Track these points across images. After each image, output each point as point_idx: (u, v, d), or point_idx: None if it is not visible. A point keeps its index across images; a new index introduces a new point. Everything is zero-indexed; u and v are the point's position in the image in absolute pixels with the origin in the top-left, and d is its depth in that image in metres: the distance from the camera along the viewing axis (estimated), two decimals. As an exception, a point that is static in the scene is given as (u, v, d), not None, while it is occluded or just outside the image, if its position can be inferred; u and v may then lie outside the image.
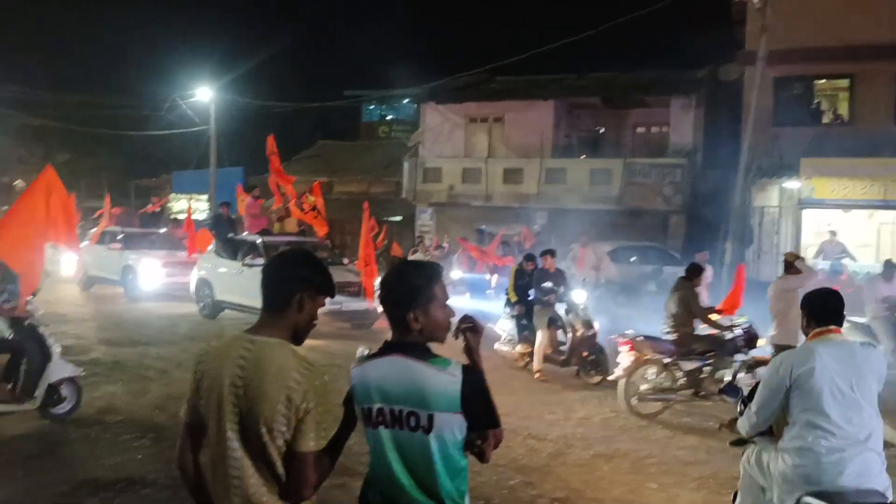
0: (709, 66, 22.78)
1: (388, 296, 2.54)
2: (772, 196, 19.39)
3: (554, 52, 20.39)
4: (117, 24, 64.71)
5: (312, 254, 2.72)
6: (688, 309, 8.57)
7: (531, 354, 10.23)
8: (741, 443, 4.10)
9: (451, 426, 2.36)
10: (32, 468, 5.95)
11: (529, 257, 10.91)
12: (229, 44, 64.27)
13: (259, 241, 13.95)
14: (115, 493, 5.47)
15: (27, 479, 5.70)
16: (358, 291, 12.80)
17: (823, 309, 3.84)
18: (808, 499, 3.40)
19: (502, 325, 10.94)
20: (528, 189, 24.14)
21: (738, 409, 4.05)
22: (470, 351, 2.53)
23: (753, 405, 3.80)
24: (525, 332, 10.44)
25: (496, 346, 10.77)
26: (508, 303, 10.82)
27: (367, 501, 2.51)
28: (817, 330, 3.77)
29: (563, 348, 10.17)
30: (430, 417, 2.35)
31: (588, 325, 9.90)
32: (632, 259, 18.06)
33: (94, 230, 19.57)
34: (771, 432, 3.86)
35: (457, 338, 2.56)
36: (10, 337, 7.27)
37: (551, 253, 10.55)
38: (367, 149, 34.25)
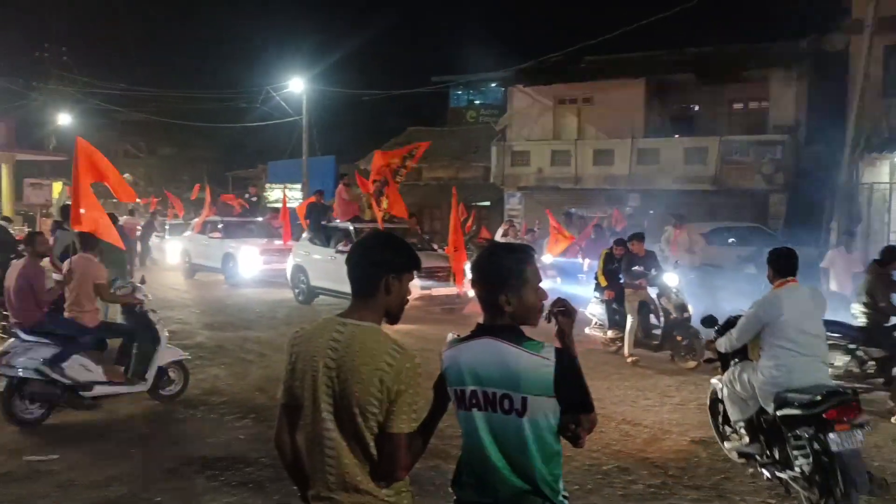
0: (811, 36, 21.60)
1: (480, 278, 2.53)
2: (882, 172, 18.29)
3: (645, 27, 19.78)
4: (214, 20, 67.02)
5: (391, 235, 2.72)
6: (874, 295, 7.77)
7: (622, 339, 10.09)
8: (711, 361, 6.43)
9: (545, 410, 2.35)
10: (144, 446, 6.30)
11: (619, 241, 10.71)
12: (320, 35, 65.58)
13: (351, 227, 14.22)
14: (220, 470, 5.71)
15: (140, 457, 6.04)
16: (447, 276, 12.88)
17: (785, 264, 5.23)
18: (785, 394, 4.95)
19: (592, 310, 10.82)
20: (619, 170, 23.62)
21: (714, 337, 5.85)
22: (562, 335, 2.50)
23: (735, 332, 5.38)
24: (616, 316, 10.30)
25: (587, 330, 10.66)
26: (598, 287, 10.70)
27: (461, 482, 2.52)
28: (780, 281, 5.21)
29: (655, 332, 9.98)
30: (524, 401, 2.35)
31: (682, 308, 9.65)
32: (730, 240, 17.40)
33: (196, 220, 20.43)
34: (746, 357, 5.50)
35: (549, 321, 2.54)
36: (123, 322, 7.70)
37: (639, 237, 10.30)
38: (455, 134, 34.25)
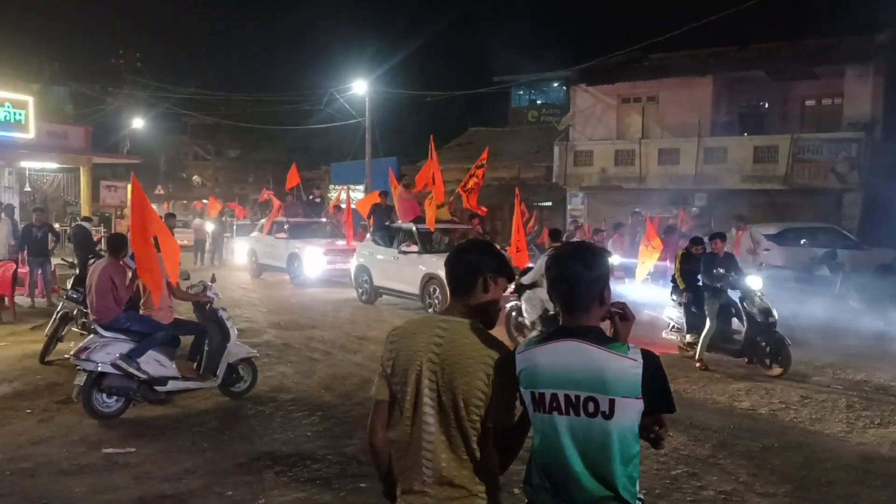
0: (888, 30, 20.80)
1: (562, 278, 2.50)
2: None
3: (712, 23, 19.35)
4: (280, 25, 68.28)
5: (488, 242, 2.83)
6: None
7: (695, 345, 9.75)
8: (522, 287, 9.83)
9: (631, 412, 2.32)
10: (216, 440, 6.46)
11: (697, 241, 10.30)
12: (382, 37, 66.24)
13: (414, 228, 14.30)
14: (289, 466, 5.82)
15: (211, 451, 6.19)
16: (511, 277, 12.82)
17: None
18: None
19: (669, 313, 10.46)
20: (685, 170, 23.19)
21: (519, 278, 9.65)
22: (617, 337, 2.46)
23: (530, 276, 9.64)
24: (695, 320, 9.90)
25: (664, 334, 10.37)
26: (676, 290, 10.28)
27: (533, 484, 2.50)
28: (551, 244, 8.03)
29: (737, 337, 9.58)
30: (612, 403, 2.31)
31: (766, 313, 9.17)
32: (802, 241, 16.88)
33: (263, 221, 20.85)
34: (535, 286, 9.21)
35: (603, 320, 2.50)
36: (195, 320, 7.92)
37: (721, 237, 9.84)
38: (517, 134, 34.17)
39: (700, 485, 5.54)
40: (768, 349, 9.21)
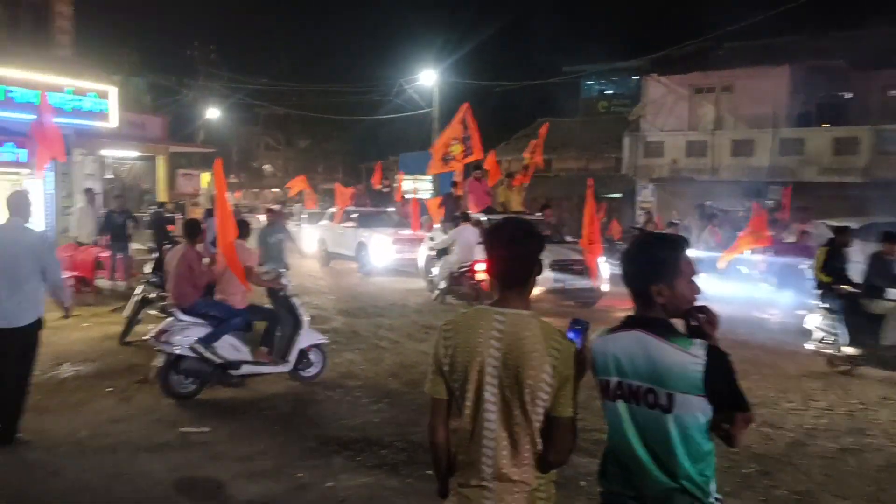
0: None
1: (631, 268, 2.48)
2: None
3: (789, 11, 18.70)
4: (351, 16, 68.98)
5: (528, 221, 2.67)
6: None
7: (861, 357, 8.53)
8: (439, 252, 13.69)
9: (693, 408, 2.28)
10: (287, 424, 6.62)
11: (891, 236, 8.75)
12: (451, 27, 66.13)
13: (484, 218, 14.30)
14: (357, 451, 5.92)
15: (283, 434, 6.34)
16: (582, 270, 12.70)
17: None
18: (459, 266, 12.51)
19: (816, 321, 9.06)
20: (760, 162, 22.55)
21: (432, 248, 14.11)
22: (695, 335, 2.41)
23: (441, 243, 13.72)
24: (856, 329, 8.52)
25: (807, 346, 9.16)
26: (827, 295, 8.91)
27: (606, 472, 2.51)
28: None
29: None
30: (670, 397, 2.29)
31: None
32: (884, 237, 16.15)
33: (333, 210, 21.18)
34: (447, 253, 13.00)
35: (681, 317, 2.45)
36: (268, 306, 8.12)
37: (894, 237, 8.61)
38: (586, 125, 33.70)
39: (772, 484, 5.41)
40: None
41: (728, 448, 2.43)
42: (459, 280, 12.97)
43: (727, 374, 2.30)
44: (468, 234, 13.19)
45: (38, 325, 5.98)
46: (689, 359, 2.28)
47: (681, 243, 2.49)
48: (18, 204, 6.10)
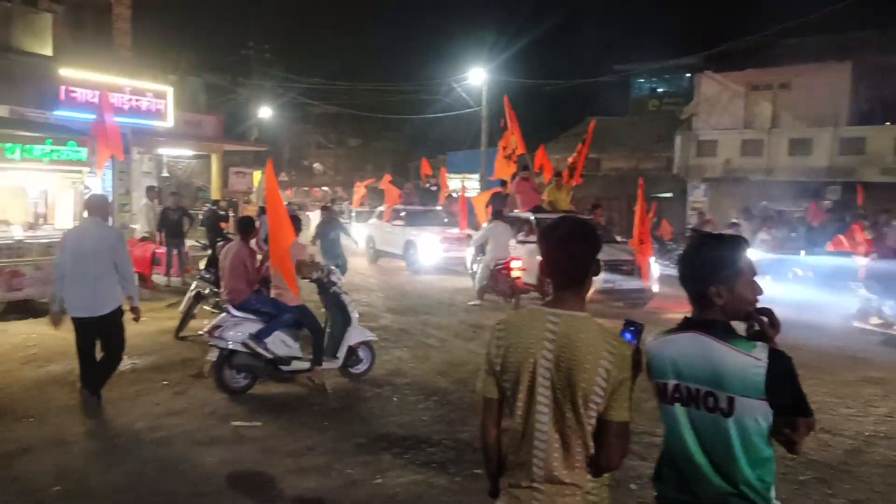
0: None
1: (689, 269, 2.42)
2: None
3: (851, 6, 18.16)
4: (401, 16, 69.30)
5: (584, 220, 2.61)
6: None
7: None
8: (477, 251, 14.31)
9: (754, 412, 2.23)
10: (336, 420, 6.68)
11: None
12: (501, 26, 66.04)
13: (532, 217, 14.23)
14: (405, 449, 5.94)
15: (332, 429, 6.40)
16: (632, 270, 12.54)
17: None
18: (494, 264, 12.88)
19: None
20: (818, 161, 21.95)
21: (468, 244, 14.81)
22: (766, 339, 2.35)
23: (477, 240, 14.26)
24: None
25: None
26: None
27: (662, 477, 2.46)
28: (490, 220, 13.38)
29: None
30: (730, 401, 2.24)
31: None
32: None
33: (381, 208, 21.32)
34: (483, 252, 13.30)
35: (742, 319, 2.40)
36: (320, 304, 8.19)
37: None
38: (637, 124, 33.26)
39: (830, 492, 5.27)
40: None
41: (787, 454, 2.37)
42: (495, 276, 13.01)
43: (790, 378, 2.24)
44: (501, 231, 13.24)
45: (118, 312, 6.62)
46: (751, 361, 2.23)
47: (741, 243, 2.42)
48: (97, 204, 6.73)
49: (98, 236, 6.50)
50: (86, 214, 6.82)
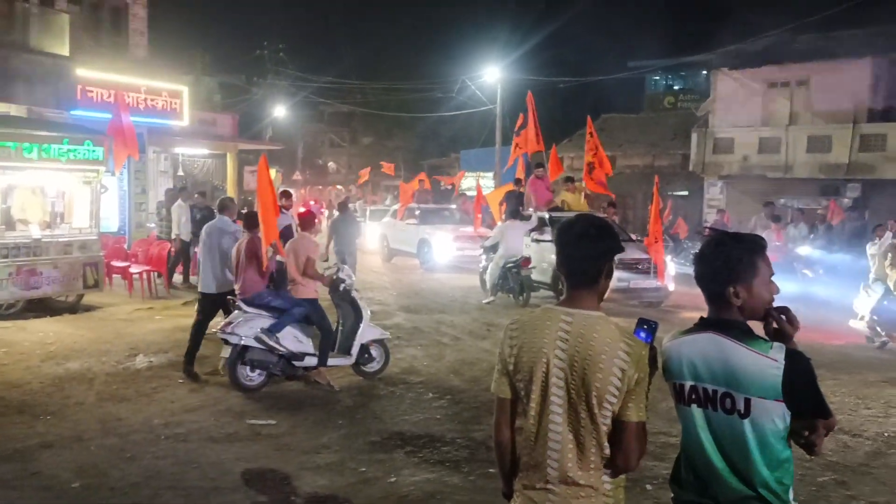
0: None
1: (706, 269, 2.38)
2: None
3: (871, 1, 17.93)
4: (414, 14, 69.29)
5: (600, 218, 2.56)
6: None
7: None
8: (488, 250, 13.97)
9: (771, 414, 2.19)
10: (350, 418, 6.68)
11: None
12: (514, 23, 65.82)
13: (547, 216, 14.18)
14: (419, 447, 5.93)
15: (346, 427, 6.40)
16: (647, 269, 12.46)
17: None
18: (505, 262, 13.08)
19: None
20: (837, 158, 21.72)
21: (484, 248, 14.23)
22: (784, 339, 2.31)
23: (491, 241, 13.86)
24: None
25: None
26: None
27: (680, 480, 2.43)
28: (506, 219, 13.86)
29: None
30: (747, 402, 2.21)
31: None
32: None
33: (395, 207, 21.32)
34: (495, 251, 13.19)
35: (759, 319, 2.36)
36: (332, 304, 8.20)
37: None
38: (652, 121, 33.12)
39: (850, 494, 5.20)
40: None
41: (806, 456, 2.33)
42: (506, 274, 12.99)
43: (807, 379, 2.20)
44: (515, 230, 13.22)
45: (232, 291, 7.93)
46: (768, 362, 2.19)
47: (759, 243, 2.39)
48: (224, 205, 8.61)
49: (224, 231, 8.20)
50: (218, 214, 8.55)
